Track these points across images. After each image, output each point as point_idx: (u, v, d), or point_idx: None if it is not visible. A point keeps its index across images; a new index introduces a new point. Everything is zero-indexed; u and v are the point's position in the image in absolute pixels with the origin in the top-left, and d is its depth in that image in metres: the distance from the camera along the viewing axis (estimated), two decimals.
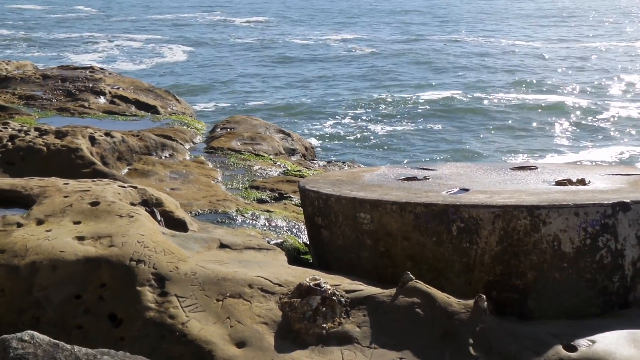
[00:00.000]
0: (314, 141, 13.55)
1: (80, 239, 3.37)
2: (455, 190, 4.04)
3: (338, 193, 3.98)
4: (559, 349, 2.98)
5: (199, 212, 5.49)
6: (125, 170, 6.70)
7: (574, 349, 2.97)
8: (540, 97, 21.01)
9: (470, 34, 39.60)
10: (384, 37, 38.11)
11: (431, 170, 4.98)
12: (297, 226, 5.50)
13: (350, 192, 4.01)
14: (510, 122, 18.11)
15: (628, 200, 3.49)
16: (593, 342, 3.00)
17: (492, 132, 17.09)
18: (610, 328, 3.13)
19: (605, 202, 3.48)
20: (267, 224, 5.42)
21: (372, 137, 16.45)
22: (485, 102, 20.55)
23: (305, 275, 3.32)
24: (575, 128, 17.66)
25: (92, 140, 6.43)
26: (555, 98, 21.07)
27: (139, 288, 3.09)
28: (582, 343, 3.00)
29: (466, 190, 4.02)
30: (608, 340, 3.02)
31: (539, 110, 19.45)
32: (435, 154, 14.74)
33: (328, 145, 15.51)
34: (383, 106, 20.18)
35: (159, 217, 3.97)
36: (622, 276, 3.53)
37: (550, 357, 2.93)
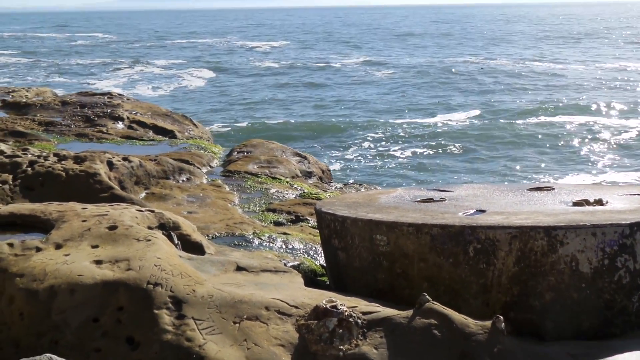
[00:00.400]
0: (331, 165, 13.60)
1: (98, 262, 3.39)
2: (472, 211, 4.03)
3: (354, 215, 3.98)
4: None
5: (216, 235, 5.51)
6: (143, 194, 6.75)
7: None
8: (561, 118, 20.92)
9: (487, 54, 39.63)
10: (401, 60, 38.22)
11: (448, 191, 4.97)
12: (313, 248, 5.50)
13: (366, 214, 4.01)
14: (529, 143, 18.05)
15: None
16: None
17: (512, 153, 17.03)
18: (630, 349, 3.10)
19: (623, 222, 3.46)
20: (283, 247, 5.43)
21: (389, 160, 16.46)
22: (504, 123, 20.50)
23: (321, 298, 3.32)
24: (595, 149, 17.56)
25: (110, 165, 6.48)
26: (577, 118, 20.98)
27: (156, 311, 3.10)
28: None
29: (483, 211, 4.01)
30: None
31: (559, 131, 19.38)
32: (454, 175, 14.72)
33: (345, 168, 15.54)
34: (400, 129, 20.20)
35: (176, 241, 3.99)
36: None
37: None
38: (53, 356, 2.17)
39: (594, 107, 23.05)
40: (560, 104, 23.44)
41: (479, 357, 2.95)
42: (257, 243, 5.40)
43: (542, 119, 21.31)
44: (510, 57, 38.63)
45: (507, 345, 3.00)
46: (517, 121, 20.74)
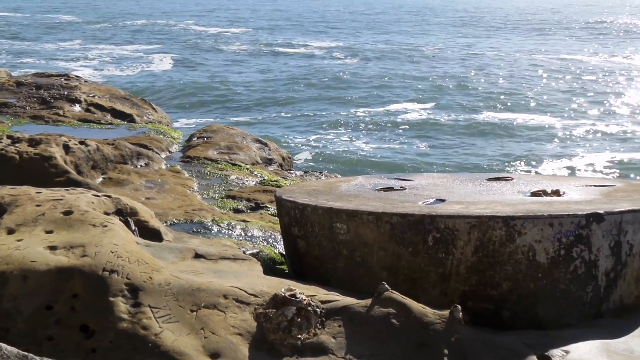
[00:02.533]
0: (292, 151, 13.55)
1: (52, 248, 3.31)
2: (432, 200, 4.04)
3: (314, 203, 3.96)
4: (534, 359, 2.98)
5: (174, 222, 5.44)
6: (100, 179, 6.64)
7: (548, 359, 2.98)
8: (521, 113, 21.12)
9: (451, 42, 39.86)
10: (367, 46, 38.21)
11: (408, 180, 4.98)
12: (273, 236, 5.47)
13: (326, 202, 4.00)
14: (489, 134, 18.20)
15: (602, 211, 3.52)
16: (567, 352, 3.01)
17: (471, 143, 17.17)
18: (584, 338, 3.15)
19: (580, 213, 3.50)
20: (243, 234, 5.39)
21: (349, 148, 16.48)
22: (464, 114, 20.65)
23: (280, 286, 3.29)
24: (552, 139, 17.81)
25: (66, 148, 6.36)
26: (534, 111, 21.20)
27: (111, 299, 3.05)
28: (556, 353, 3.01)
29: (442, 200, 4.03)
30: (581, 350, 3.03)
31: (519, 122, 19.60)
32: (415, 165, 14.79)
33: (305, 156, 15.50)
34: (362, 117, 20.23)
35: (133, 227, 3.92)
36: (596, 286, 3.55)
37: None
38: (3, 345, 2.11)
39: (545, 99, 23.32)
40: (525, 97, 23.67)
41: (436, 346, 2.96)
42: (215, 230, 5.35)
43: (499, 108, 21.51)
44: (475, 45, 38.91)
45: (465, 334, 3.02)
46: (473, 113, 20.89)
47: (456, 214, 3.53)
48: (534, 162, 15.54)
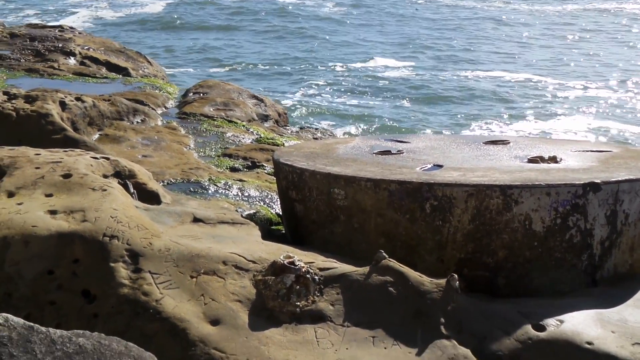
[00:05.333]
0: (282, 102, 13.55)
1: (53, 213, 3.33)
2: (429, 166, 4.06)
3: (312, 168, 3.97)
4: (528, 328, 3.04)
5: (171, 181, 5.45)
6: (97, 136, 6.63)
7: (542, 328, 3.03)
8: (510, 72, 20.99)
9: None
10: None
11: (405, 142, 4.99)
12: (269, 196, 5.49)
13: (324, 166, 4.01)
14: (478, 94, 18.11)
15: (599, 181, 3.54)
16: (561, 321, 3.07)
17: (458, 103, 17.11)
18: (578, 308, 3.20)
19: (577, 182, 3.52)
20: (239, 194, 5.41)
21: (341, 104, 16.46)
22: (451, 75, 20.51)
23: (279, 252, 3.33)
24: (543, 100, 17.74)
25: (63, 105, 6.32)
26: (523, 73, 21.06)
27: (112, 264, 3.08)
28: (551, 323, 3.06)
29: (440, 166, 4.04)
30: (576, 320, 3.08)
31: (508, 83, 19.51)
32: (404, 124, 14.80)
33: (299, 111, 15.49)
34: (349, 74, 20.16)
35: (132, 190, 3.94)
36: (591, 255, 3.60)
37: (520, 337, 2.99)
38: (9, 315, 2.14)
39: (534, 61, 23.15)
40: (515, 58, 23.48)
41: (433, 314, 3.01)
42: (212, 190, 5.37)
43: (489, 70, 21.37)
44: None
45: (461, 303, 3.07)
46: (459, 72, 20.75)
47: (454, 182, 3.55)
48: (512, 122, 15.55)
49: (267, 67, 21.23)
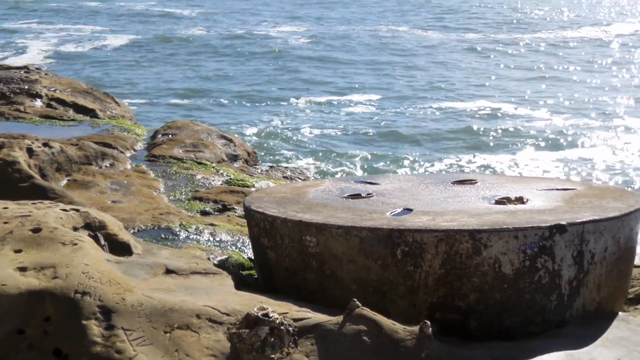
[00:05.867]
0: (245, 138, 13.67)
1: (23, 269, 3.30)
2: (399, 210, 4.11)
3: (284, 215, 4.00)
4: None
5: (141, 228, 5.44)
6: (65, 182, 6.59)
7: None
8: (468, 104, 21.29)
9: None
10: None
11: (374, 184, 5.04)
12: (241, 240, 5.50)
13: (296, 213, 4.03)
14: (440, 126, 18.35)
15: (564, 223, 3.61)
16: None
17: (425, 137, 17.32)
18: (549, 350, 3.24)
19: (543, 225, 3.59)
20: (211, 239, 5.41)
21: (302, 138, 16.61)
22: (417, 107, 20.76)
23: (252, 303, 3.33)
24: (509, 132, 18.01)
25: (30, 152, 6.29)
26: (484, 104, 21.38)
27: (84, 322, 3.05)
28: None
29: (409, 210, 4.09)
30: None
31: (475, 114, 19.81)
32: (366, 159, 14.97)
33: (264, 144, 15.60)
34: (311, 106, 20.36)
35: (102, 242, 3.92)
36: (560, 295, 3.65)
37: None
38: None
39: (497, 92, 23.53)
40: (472, 88, 23.85)
41: None
42: (184, 236, 5.36)
43: (447, 102, 21.68)
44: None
45: (435, 349, 3.10)
46: (418, 104, 21.02)
47: (424, 227, 3.60)
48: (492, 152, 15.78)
49: (229, 99, 21.39)
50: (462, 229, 3.54)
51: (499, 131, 17.86)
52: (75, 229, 3.95)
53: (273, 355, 3.02)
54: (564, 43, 35.06)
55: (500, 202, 4.27)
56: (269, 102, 21.14)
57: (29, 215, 3.84)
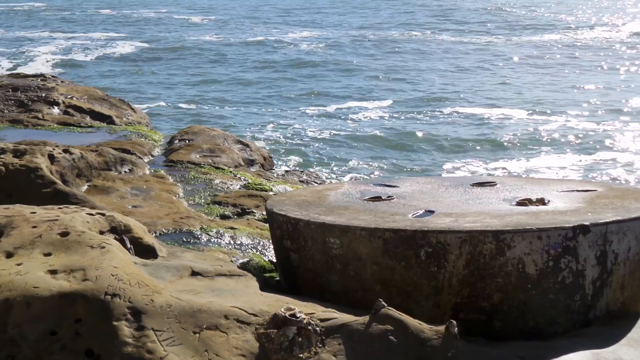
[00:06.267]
0: (261, 144, 13.74)
1: (53, 272, 3.35)
2: (421, 212, 4.14)
3: (307, 218, 4.04)
4: None
5: (163, 232, 5.49)
6: (85, 187, 6.66)
7: None
8: (485, 109, 21.25)
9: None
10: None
11: (393, 187, 5.07)
12: (262, 243, 5.54)
13: (318, 216, 4.07)
14: (458, 132, 18.33)
15: (587, 223, 3.63)
16: None
17: (439, 142, 17.31)
18: (574, 349, 3.26)
19: (567, 225, 3.61)
20: (232, 242, 5.45)
21: (316, 143, 16.66)
22: (430, 112, 20.75)
23: (278, 304, 3.37)
24: (521, 136, 17.96)
25: (52, 158, 6.35)
26: (501, 109, 21.33)
27: (115, 323, 3.10)
28: None
29: (431, 212, 4.12)
30: None
31: (489, 119, 19.78)
32: (381, 162, 15.00)
33: (278, 149, 15.65)
34: (324, 111, 20.45)
35: (128, 245, 3.97)
36: (583, 295, 3.67)
37: None
38: None
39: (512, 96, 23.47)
40: (490, 94, 23.81)
41: None
42: (205, 239, 5.41)
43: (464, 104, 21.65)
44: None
45: (461, 349, 3.12)
46: (428, 109, 20.99)
47: (447, 228, 3.63)
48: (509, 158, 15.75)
49: (241, 105, 21.51)
50: (485, 229, 3.57)
51: (517, 135, 17.82)
52: (101, 232, 4.01)
53: (301, 355, 3.06)
54: (580, 44, 34.97)
55: (522, 203, 4.30)
56: (282, 108, 21.22)
57: (57, 220, 3.90)
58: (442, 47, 34.60)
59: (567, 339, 3.41)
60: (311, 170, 10.80)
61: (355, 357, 3.09)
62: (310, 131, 18.02)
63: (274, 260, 5.10)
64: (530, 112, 20.62)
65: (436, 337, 3.15)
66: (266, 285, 4.16)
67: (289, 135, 17.60)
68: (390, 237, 3.67)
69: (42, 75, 12.75)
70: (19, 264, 3.43)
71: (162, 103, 21.36)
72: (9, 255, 3.56)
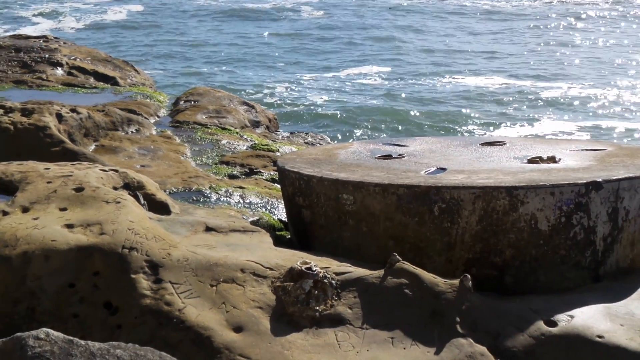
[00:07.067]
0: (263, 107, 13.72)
1: (70, 226, 3.38)
2: (433, 169, 4.15)
3: (320, 174, 4.05)
4: (540, 324, 3.14)
5: (173, 191, 5.51)
6: (93, 147, 6.66)
7: (554, 324, 3.13)
8: (493, 76, 21.12)
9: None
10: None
11: (403, 146, 5.08)
12: (270, 202, 5.56)
13: (331, 172, 4.09)
14: (464, 96, 18.25)
15: (600, 180, 3.65)
16: (572, 317, 3.17)
17: (444, 106, 17.26)
18: (586, 303, 3.30)
19: (579, 182, 3.63)
20: (241, 201, 5.47)
21: (317, 107, 16.62)
22: (436, 78, 20.63)
23: (293, 258, 3.40)
24: (529, 102, 17.89)
25: (59, 117, 6.35)
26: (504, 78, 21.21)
27: (133, 276, 3.13)
28: (562, 318, 3.17)
29: (443, 169, 4.14)
30: (586, 315, 3.18)
31: (494, 86, 19.68)
32: (394, 126, 14.95)
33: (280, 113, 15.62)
34: (324, 76, 20.33)
35: (142, 201, 3.99)
36: (594, 251, 3.70)
37: (533, 333, 3.09)
38: (49, 330, 2.20)
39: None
40: (498, 63, 23.64)
41: (449, 314, 3.10)
42: (214, 198, 5.43)
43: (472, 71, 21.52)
44: None
45: (475, 302, 3.16)
46: (433, 77, 20.86)
47: (461, 184, 3.65)
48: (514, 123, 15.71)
49: (242, 68, 21.42)
50: (499, 185, 3.59)
51: (522, 102, 17.75)
52: (115, 188, 4.03)
53: (317, 307, 3.09)
54: (578, 12, 34.69)
55: (533, 161, 4.31)
56: (283, 72, 21.11)
57: (71, 175, 3.91)
58: (449, 11, 34.30)
59: (578, 294, 3.45)
60: (316, 132, 10.79)
61: (370, 310, 3.13)
62: (314, 96, 17.95)
63: (284, 219, 5.13)
64: (533, 79, 20.51)
65: (450, 291, 3.19)
66: (279, 242, 4.19)
67: (293, 98, 17.54)
68: (404, 193, 3.69)
69: (44, 36, 12.66)
70: (35, 218, 3.46)
71: (161, 69, 21.24)
72: (25, 210, 3.59)
